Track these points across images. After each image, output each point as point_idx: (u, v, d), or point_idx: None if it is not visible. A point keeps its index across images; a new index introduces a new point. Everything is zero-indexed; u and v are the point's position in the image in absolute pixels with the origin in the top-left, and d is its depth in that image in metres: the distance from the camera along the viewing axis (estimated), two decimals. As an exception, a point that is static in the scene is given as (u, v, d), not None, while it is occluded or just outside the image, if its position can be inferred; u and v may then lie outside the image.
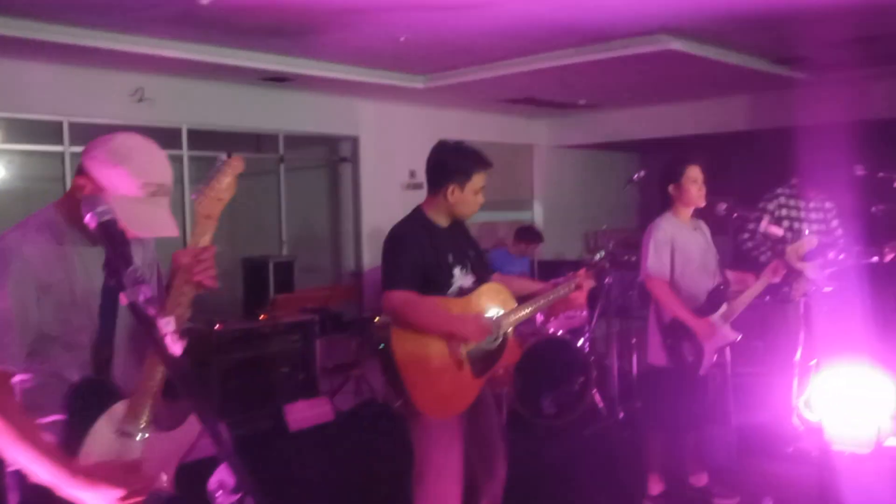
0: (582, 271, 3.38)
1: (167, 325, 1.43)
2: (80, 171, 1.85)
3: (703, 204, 3.82)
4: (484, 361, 3.03)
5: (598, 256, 3.49)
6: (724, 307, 3.78)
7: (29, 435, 1.68)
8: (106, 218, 1.58)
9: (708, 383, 3.76)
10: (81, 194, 1.79)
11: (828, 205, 5.01)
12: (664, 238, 3.77)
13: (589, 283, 3.37)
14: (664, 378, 3.83)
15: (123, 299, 1.45)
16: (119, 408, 1.79)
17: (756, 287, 3.89)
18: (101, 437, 1.76)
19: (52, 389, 1.81)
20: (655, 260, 3.75)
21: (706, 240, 3.94)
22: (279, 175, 7.76)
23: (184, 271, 1.84)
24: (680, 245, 3.78)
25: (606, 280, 3.83)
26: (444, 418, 2.93)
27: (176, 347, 1.43)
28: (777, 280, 3.98)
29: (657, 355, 3.83)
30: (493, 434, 3.18)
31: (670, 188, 3.83)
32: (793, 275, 4.54)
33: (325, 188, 8.70)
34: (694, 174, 3.77)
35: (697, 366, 3.70)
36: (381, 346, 2.87)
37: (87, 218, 1.62)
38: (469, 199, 3.03)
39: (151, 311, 1.44)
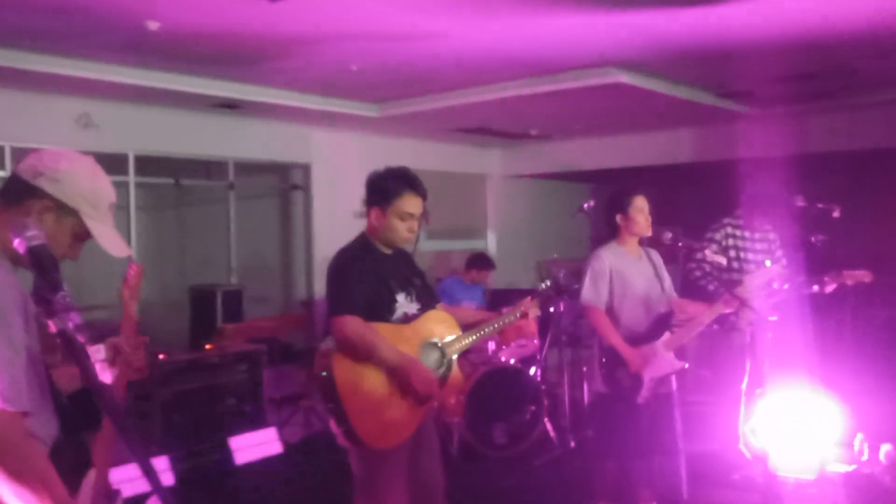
0: (527, 299, 3.39)
1: (97, 353, 1.37)
2: (35, 194, 1.77)
3: (649, 233, 3.89)
4: (425, 390, 2.98)
5: (543, 285, 3.49)
6: (666, 335, 3.83)
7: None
8: (35, 243, 1.53)
9: (649, 411, 3.78)
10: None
11: (771, 235, 5.13)
12: (601, 267, 3.82)
13: (534, 312, 3.38)
14: (606, 405, 3.87)
15: (52, 326, 1.40)
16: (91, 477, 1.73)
17: (705, 317, 3.94)
18: None
19: None
20: (590, 288, 3.81)
21: (654, 269, 3.98)
22: (228, 203, 7.66)
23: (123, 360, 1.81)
24: (620, 274, 3.82)
25: (552, 309, 3.87)
26: (386, 448, 2.88)
27: (106, 376, 1.38)
28: (729, 311, 4.05)
29: (598, 381, 3.89)
30: (433, 465, 3.15)
31: (617, 218, 3.88)
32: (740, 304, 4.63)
33: (276, 216, 8.61)
34: (640, 204, 3.83)
35: (635, 393, 3.72)
36: (324, 373, 2.82)
37: (16, 243, 1.56)
38: (394, 225, 2.97)
39: (81, 338, 1.38)
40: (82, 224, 1.80)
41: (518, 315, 3.33)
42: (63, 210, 1.77)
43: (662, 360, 3.77)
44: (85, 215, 1.79)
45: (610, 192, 4.01)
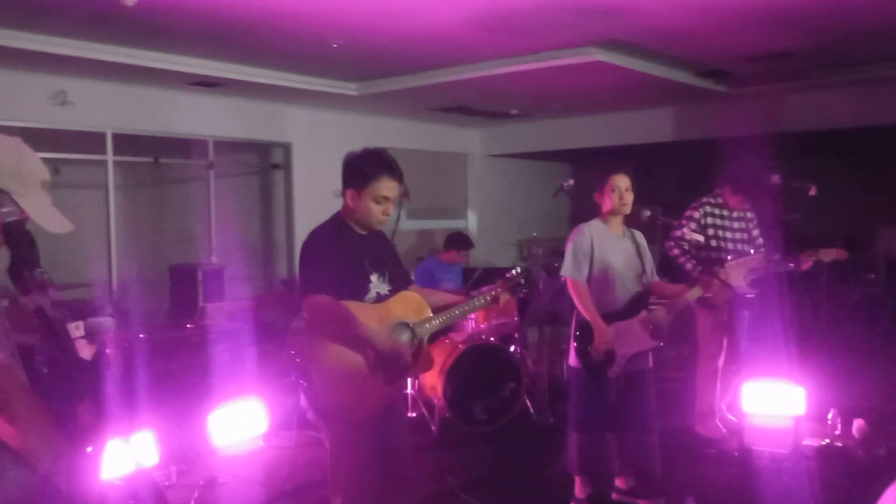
0: (498, 283, 3.41)
1: (76, 330, 1.39)
2: None
3: (627, 212, 3.93)
4: (396, 368, 3.03)
5: (514, 271, 3.50)
6: (642, 314, 3.88)
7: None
8: (11, 219, 1.53)
9: (618, 386, 3.84)
10: None
11: (749, 214, 5.19)
12: (583, 242, 3.88)
13: (505, 297, 3.39)
14: (575, 378, 3.94)
15: (30, 304, 1.40)
16: None
17: (683, 298, 4.00)
18: None
19: None
20: (571, 263, 3.88)
21: (636, 249, 4.02)
22: (209, 181, 7.61)
23: None
24: (600, 251, 3.88)
25: (521, 294, 3.91)
26: (354, 423, 2.93)
27: (85, 352, 1.39)
28: (708, 294, 4.12)
29: (571, 356, 3.95)
30: (400, 443, 3.19)
31: (595, 195, 3.95)
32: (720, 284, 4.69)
33: (256, 195, 8.58)
34: (615, 183, 3.87)
35: (606, 367, 3.78)
36: (293, 351, 2.85)
37: None
38: (368, 206, 2.97)
39: (59, 315, 1.39)
40: (15, 203, 1.77)
41: (489, 299, 3.35)
42: None
43: (637, 338, 3.83)
44: (15, 194, 1.77)
45: (593, 171, 4.05)
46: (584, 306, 3.82)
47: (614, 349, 3.77)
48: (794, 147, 7.62)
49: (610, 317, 3.83)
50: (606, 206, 3.91)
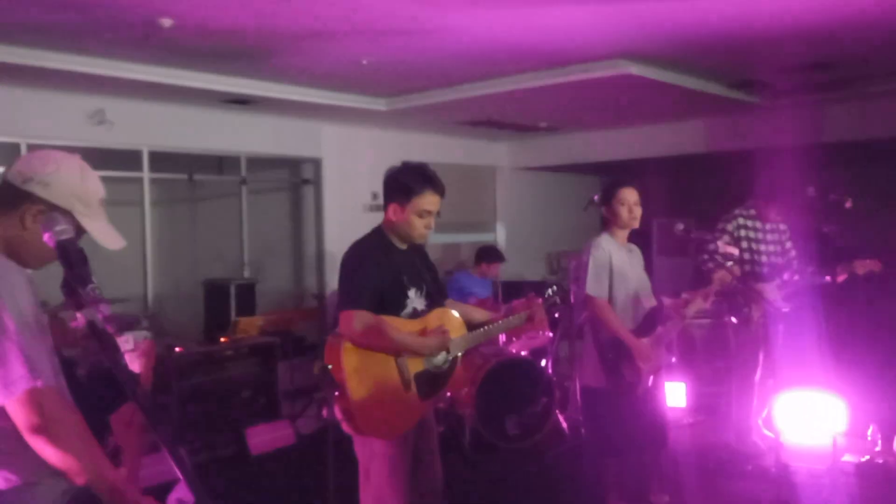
0: (536, 303, 3.39)
1: (126, 343, 1.41)
2: (28, 199, 1.80)
3: (636, 226, 3.87)
4: (431, 384, 3.04)
5: (549, 292, 3.50)
6: (658, 330, 3.83)
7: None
8: (64, 237, 1.57)
9: (649, 405, 3.79)
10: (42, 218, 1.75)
11: (782, 226, 5.13)
12: (603, 257, 3.79)
13: (541, 315, 3.37)
14: (602, 400, 3.81)
15: (81, 318, 1.44)
16: None
17: (688, 311, 3.94)
18: None
19: None
20: (594, 280, 3.76)
21: (640, 263, 3.99)
22: (241, 197, 7.71)
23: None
24: (618, 266, 3.81)
25: (556, 315, 3.92)
26: (388, 438, 2.94)
27: (135, 365, 1.42)
28: (707, 306, 4.06)
29: (594, 376, 3.81)
30: (433, 460, 3.19)
31: (604, 210, 3.90)
32: (752, 296, 4.64)
33: (287, 210, 8.66)
34: (624, 196, 3.80)
35: (635, 386, 3.72)
36: (330, 365, 2.87)
37: (46, 237, 1.60)
38: (411, 221, 2.99)
39: (110, 328, 1.42)
40: (76, 223, 1.82)
41: (524, 317, 3.34)
42: (56, 211, 1.79)
43: (657, 354, 3.79)
44: (78, 214, 1.82)
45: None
46: (613, 324, 3.71)
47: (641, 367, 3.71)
48: (831, 158, 7.54)
49: (632, 333, 3.77)
50: (615, 219, 3.84)
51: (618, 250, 3.86)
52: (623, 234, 3.90)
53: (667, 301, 3.98)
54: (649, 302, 3.89)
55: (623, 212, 3.80)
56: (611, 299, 3.80)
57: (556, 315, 4.71)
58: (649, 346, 3.74)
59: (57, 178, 1.81)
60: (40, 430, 1.64)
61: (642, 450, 3.86)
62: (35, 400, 1.64)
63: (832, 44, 5.39)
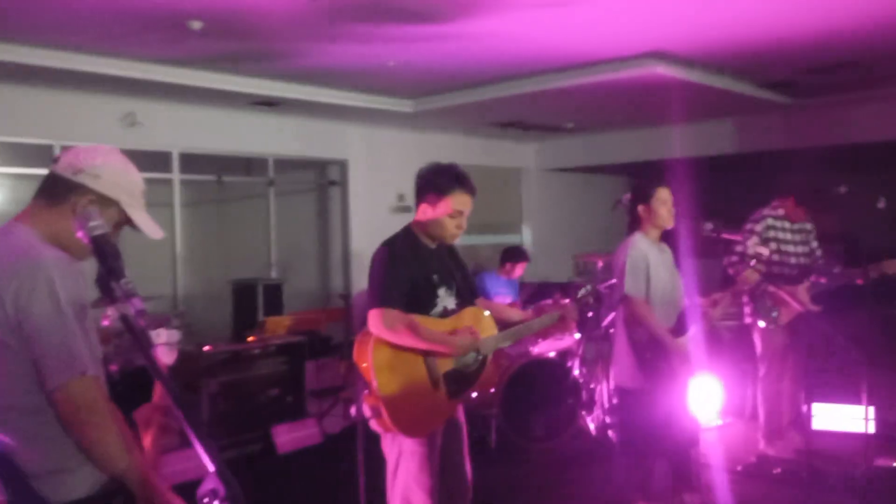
0: (567, 304, 3.39)
1: (158, 337, 1.44)
2: (78, 190, 1.86)
3: (671, 225, 3.85)
4: (460, 383, 3.04)
5: (583, 291, 3.48)
6: (692, 330, 3.81)
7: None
8: (98, 232, 1.60)
9: (682, 405, 3.77)
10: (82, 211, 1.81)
11: (808, 226, 5.08)
12: (639, 257, 3.77)
13: (572, 316, 3.37)
14: (637, 400, 3.78)
15: (114, 313, 1.47)
16: None
17: (716, 312, 3.93)
18: None
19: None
20: (632, 279, 3.74)
21: (672, 263, 3.97)
22: (269, 198, 7.78)
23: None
24: (653, 265, 3.79)
25: (589, 314, 3.92)
26: (416, 436, 2.95)
27: (167, 358, 1.44)
28: (732, 309, 4.02)
29: (630, 377, 3.79)
30: (461, 459, 3.19)
31: (640, 209, 3.86)
32: (781, 298, 4.59)
33: (314, 211, 8.73)
34: (664, 196, 3.80)
35: (672, 386, 3.70)
36: (364, 363, 2.89)
37: (80, 234, 1.64)
38: (442, 220, 3.00)
39: (142, 322, 1.45)
40: (122, 213, 1.91)
41: (555, 317, 3.33)
42: (105, 202, 1.87)
43: (692, 355, 3.76)
44: (125, 204, 1.90)
45: (635, 183, 4.00)
46: (652, 323, 3.69)
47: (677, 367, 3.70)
48: (863, 158, 7.42)
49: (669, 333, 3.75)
50: (653, 218, 3.82)
51: (652, 249, 3.84)
52: (656, 233, 3.89)
53: (700, 300, 3.96)
54: (683, 301, 3.87)
55: (663, 211, 3.79)
56: (647, 299, 3.78)
57: (590, 314, 4.70)
58: (686, 345, 3.72)
59: (105, 170, 1.89)
60: (82, 417, 1.70)
61: (675, 450, 3.83)
62: (81, 388, 1.70)
63: (859, 42, 5.32)
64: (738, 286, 3.95)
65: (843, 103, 7.28)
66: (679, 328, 3.79)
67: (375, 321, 2.86)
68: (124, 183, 1.91)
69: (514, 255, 6.77)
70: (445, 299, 3.06)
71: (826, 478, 4.46)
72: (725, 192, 8.92)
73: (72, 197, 1.85)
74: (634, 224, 3.91)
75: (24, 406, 1.72)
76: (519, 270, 6.78)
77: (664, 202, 3.80)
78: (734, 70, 6.29)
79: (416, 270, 2.98)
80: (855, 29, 4.98)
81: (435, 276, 3.04)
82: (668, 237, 4.04)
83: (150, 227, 1.95)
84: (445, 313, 3.05)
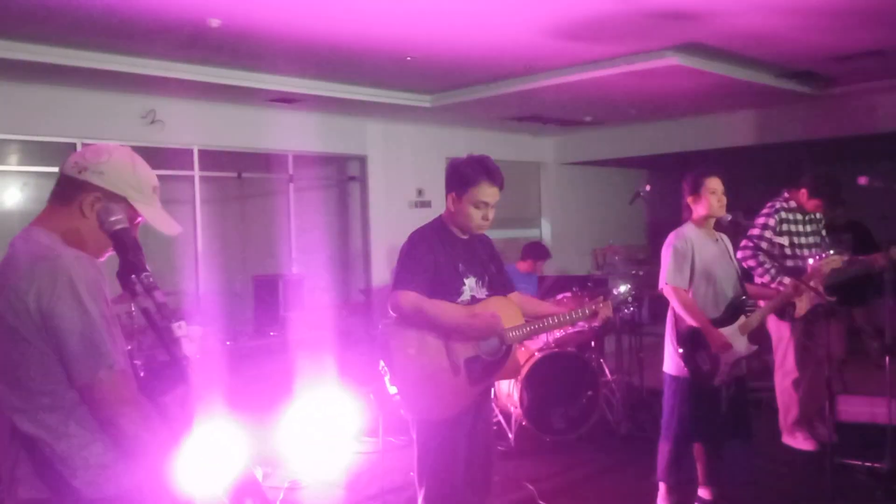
0: (600, 300, 3.38)
1: (180, 329, 1.47)
2: (84, 188, 1.89)
3: (722, 214, 3.87)
4: (482, 370, 3.07)
5: (623, 289, 3.44)
6: (741, 319, 3.81)
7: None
8: (119, 227, 1.64)
9: (728, 394, 3.77)
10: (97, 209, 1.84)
11: (818, 215, 5.07)
12: (684, 247, 3.81)
13: (606, 313, 3.35)
14: (677, 387, 3.83)
15: (135, 305, 1.50)
16: None
17: (774, 302, 3.96)
18: None
19: None
20: (674, 269, 3.80)
21: (728, 252, 3.97)
22: (288, 194, 7.83)
23: None
24: (700, 255, 3.82)
25: (626, 310, 3.93)
26: (440, 419, 3.00)
27: (189, 349, 1.47)
28: (796, 298, 4.04)
29: (672, 364, 3.85)
30: (486, 450, 3.24)
31: (689, 199, 3.90)
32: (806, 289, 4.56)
33: (333, 206, 8.76)
34: (713, 185, 3.84)
35: (712, 376, 3.71)
36: (384, 349, 2.96)
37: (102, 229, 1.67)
38: (468, 211, 3.04)
39: (164, 314, 1.48)
40: (131, 209, 1.92)
41: (587, 313, 3.33)
42: (112, 199, 1.89)
43: (737, 344, 3.76)
44: (133, 200, 1.92)
45: (682, 175, 4.02)
46: (691, 313, 3.73)
47: (720, 356, 3.70)
48: (888, 148, 7.32)
49: (713, 323, 3.76)
50: (702, 209, 3.86)
51: (701, 240, 3.87)
52: (709, 223, 3.92)
53: (751, 290, 3.97)
54: (734, 291, 3.87)
55: (713, 200, 3.83)
56: (693, 288, 3.81)
57: (628, 310, 4.69)
58: (728, 335, 3.72)
59: (109, 166, 1.91)
60: (117, 410, 1.73)
61: (713, 440, 3.83)
62: (111, 382, 1.73)
63: (883, 28, 5.24)
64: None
65: (867, 91, 7.18)
66: (727, 317, 3.81)
67: (395, 302, 2.94)
68: (130, 178, 1.93)
69: (538, 252, 6.83)
70: (474, 289, 3.11)
71: (850, 470, 4.43)
72: (743, 183, 8.85)
73: (79, 195, 1.89)
74: (687, 214, 3.96)
75: (56, 403, 1.75)
76: (541, 266, 6.84)
77: (713, 191, 3.83)
78: (754, 61, 6.22)
79: (441, 256, 3.03)
80: (880, 13, 4.90)
81: (461, 265, 3.07)
82: None
83: (161, 222, 1.97)
84: (473, 302, 3.08)
